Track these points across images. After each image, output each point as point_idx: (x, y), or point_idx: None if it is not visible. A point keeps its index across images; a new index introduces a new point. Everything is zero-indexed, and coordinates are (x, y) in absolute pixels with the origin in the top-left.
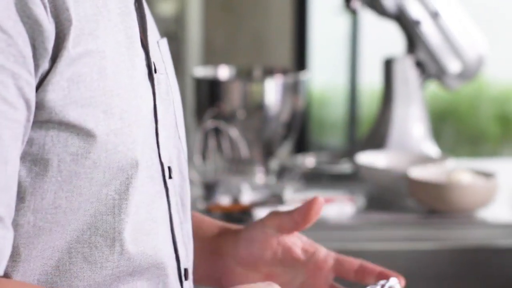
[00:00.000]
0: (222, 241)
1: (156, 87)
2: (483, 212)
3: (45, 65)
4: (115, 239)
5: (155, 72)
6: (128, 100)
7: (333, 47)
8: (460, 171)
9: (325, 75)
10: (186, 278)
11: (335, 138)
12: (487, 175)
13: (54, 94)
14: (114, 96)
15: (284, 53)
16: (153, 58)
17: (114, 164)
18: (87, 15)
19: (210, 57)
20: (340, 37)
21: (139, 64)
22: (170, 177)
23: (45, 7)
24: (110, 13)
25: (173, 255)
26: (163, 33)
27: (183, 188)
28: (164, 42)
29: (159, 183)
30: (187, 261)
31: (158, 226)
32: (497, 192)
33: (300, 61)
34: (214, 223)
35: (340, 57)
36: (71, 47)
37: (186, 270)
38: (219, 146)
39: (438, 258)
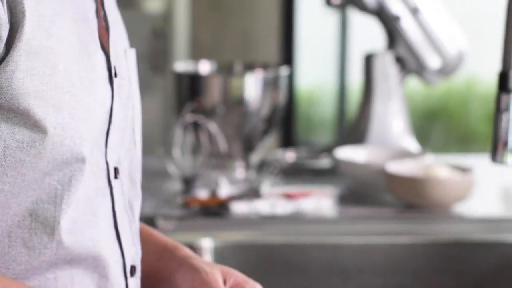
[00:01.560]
0: (161, 268)
1: (115, 90)
2: (459, 207)
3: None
4: (55, 228)
5: (115, 76)
6: (78, 98)
7: (321, 46)
8: (437, 166)
9: (314, 73)
10: (132, 275)
11: (324, 136)
12: (464, 170)
13: (8, 82)
14: (65, 92)
15: (271, 51)
16: (114, 63)
17: (58, 156)
18: (44, 14)
19: (197, 54)
20: (328, 35)
21: (99, 67)
22: (115, 177)
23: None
24: (65, 17)
25: (118, 251)
26: (151, 30)
27: (132, 191)
28: (132, 52)
29: (103, 181)
30: (136, 258)
31: (98, 220)
32: (474, 187)
33: (287, 59)
34: (159, 244)
35: (329, 55)
36: (29, 39)
37: (133, 267)
38: (198, 141)
39: (415, 252)
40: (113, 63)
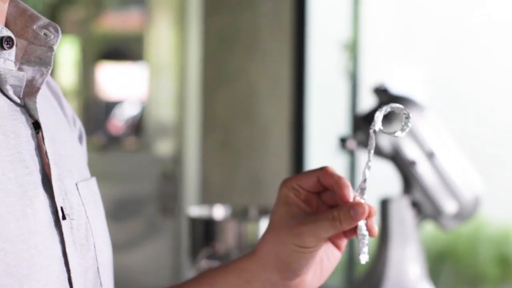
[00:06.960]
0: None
1: (65, 234)
2: None
3: None
4: None
5: (64, 218)
6: (16, 254)
7: None
8: None
9: None
10: None
11: (334, 279)
12: None
13: None
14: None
15: None
16: (61, 204)
17: None
18: None
19: (207, 197)
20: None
21: (41, 213)
22: None
23: None
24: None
25: None
26: (161, 173)
27: None
28: (87, 184)
29: None
30: None
31: None
32: None
33: None
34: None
35: None
36: None
37: None
38: None
39: None
40: (59, 204)
